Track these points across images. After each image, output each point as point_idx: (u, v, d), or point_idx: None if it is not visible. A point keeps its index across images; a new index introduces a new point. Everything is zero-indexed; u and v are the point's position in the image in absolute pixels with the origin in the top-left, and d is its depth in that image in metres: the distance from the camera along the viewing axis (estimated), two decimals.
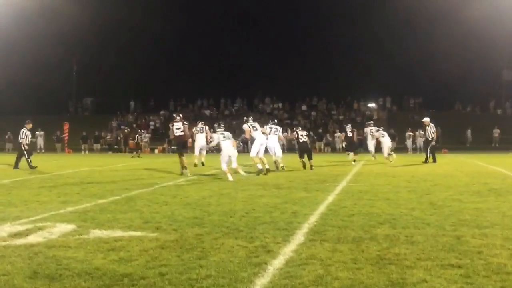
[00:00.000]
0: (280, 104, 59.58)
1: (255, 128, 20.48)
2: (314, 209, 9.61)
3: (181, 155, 19.45)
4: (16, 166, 22.28)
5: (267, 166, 18.91)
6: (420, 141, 41.00)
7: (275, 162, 22.03)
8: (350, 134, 28.27)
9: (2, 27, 56.60)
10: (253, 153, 19.68)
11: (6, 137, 49.39)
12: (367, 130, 29.32)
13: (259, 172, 18.34)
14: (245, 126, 21.09)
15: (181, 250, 6.44)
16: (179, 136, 20.15)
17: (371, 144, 28.61)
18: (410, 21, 56.04)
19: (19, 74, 61.49)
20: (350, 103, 58.78)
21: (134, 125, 56.59)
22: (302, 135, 22.36)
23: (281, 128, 25.22)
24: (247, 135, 21.43)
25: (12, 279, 5.25)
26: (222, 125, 20.24)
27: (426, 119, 26.20)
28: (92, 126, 53.03)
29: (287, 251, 6.38)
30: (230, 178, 16.02)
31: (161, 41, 67.20)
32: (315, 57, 63.04)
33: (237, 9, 67.39)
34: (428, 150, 25.40)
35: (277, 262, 5.85)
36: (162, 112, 60.58)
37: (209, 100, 62.09)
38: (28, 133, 23.37)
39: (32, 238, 7.15)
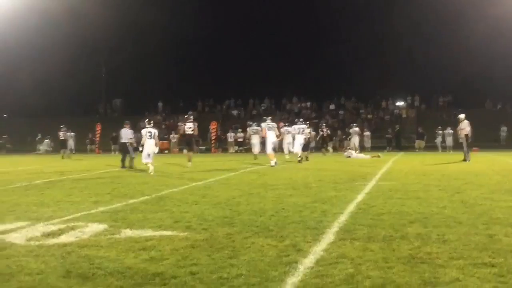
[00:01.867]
0: (308, 104, 59.42)
1: (270, 128, 23.65)
2: (343, 208, 9.57)
3: (189, 150, 23.41)
4: (124, 165, 22.59)
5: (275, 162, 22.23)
6: (449, 140, 40.54)
7: (301, 156, 25.31)
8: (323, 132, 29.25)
9: (32, 30, 57.47)
10: (269, 150, 23.11)
11: (37, 138, 50.08)
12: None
13: (274, 165, 21.70)
14: (262, 125, 24.62)
15: (212, 249, 6.47)
16: (189, 134, 23.41)
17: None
18: (439, 19, 55.58)
19: (49, 77, 62.28)
20: (379, 102, 58.38)
21: (163, 126, 56.95)
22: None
23: (306, 127, 26.67)
24: (263, 133, 24.70)
25: (46, 278, 5.32)
26: (270, 117, 24.75)
27: (461, 116, 25.72)
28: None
29: (318, 250, 6.37)
30: (273, 163, 21.22)
31: (189, 42, 67.57)
32: (343, 56, 62.84)
33: (265, 9, 67.42)
34: (466, 148, 24.77)
35: (308, 261, 5.85)
36: (190, 112, 60.83)
37: (237, 100, 62.20)
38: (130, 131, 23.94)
39: (65, 238, 7.25)
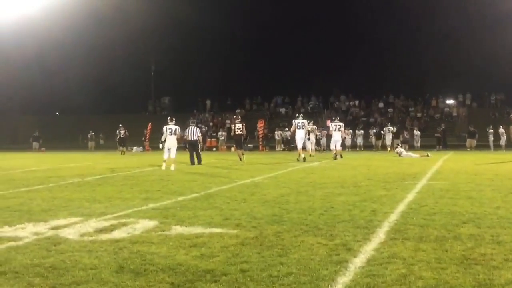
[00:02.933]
0: (356, 102, 58.96)
1: (299, 125, 25.66)
2: (394, 207, 9.46)
3: (239, 148, 26.20)
4: (193, 162, 23.31)
5: (303, 156, 24.92)
6: (502, 139, 39.67)
7: (336, 154, 26.62)
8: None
9: (83, 30, 58.59)
10: (299, 146, 25.79)
11: (89, 135, 51.00)
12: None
13: (303, 159, 24.50)
14: (293, 122, 26.52)
15: (261, 247, 6.47)
16: (239, 134, 26.44)
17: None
18: (490, 15, 54.30)
19: (100, 75, 63.45)
20: (428, 100, 57.51)
21: (211, 124, 57.35)
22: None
23: (343, 124, 27.60)
24: (292, 129, 26.74)
25: (100, 273, 5.41)
26: (301, 115, 27.15)
27: None
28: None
29: (368, 249, 6.31)
30: (301, 158, 24.23)
31: (237, 40, 67.80)
32: (392, 54, 62.06)
33: (314, 6, 67.15)
34: None
35: (358, 261, 5.80)
36: (238, 110, 61.10)
37: (284, 98, 62.13)
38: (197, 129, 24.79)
39: (117, 234, 7.36)
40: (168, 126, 21.49)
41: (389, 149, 41.07)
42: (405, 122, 52.42)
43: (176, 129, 21.38)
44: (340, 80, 60.39)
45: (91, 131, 50.96)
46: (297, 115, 28.65)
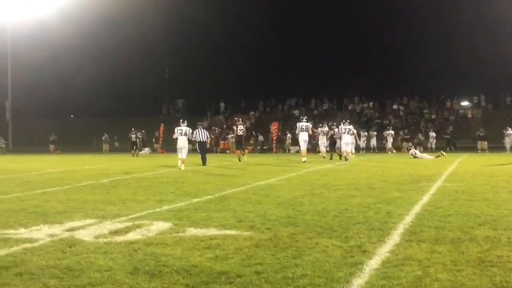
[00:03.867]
0: (370, 104, 58.78)
1: (303, 128, 26.72)
2: (409, 209, 9.40)
3: (239, 148, 27.94)
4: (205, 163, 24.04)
5: (305, 159, 25.96)
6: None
7: (345, 156, 27.53)
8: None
9: (97, 34, 58.93)
10: (302, 148, 27.10)
11: (103, 138, 51.23)
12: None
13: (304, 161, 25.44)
14: (297, 124, 27.58)
15: (276, 249, 6.46)
16: (240, 135, 28.19)
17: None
18: (503, 17, 53.93)
19: (114, 78, 63.82)
20: (443, 102, 57.21)
21: (224, 126, 57.42)
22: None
23: (352, 127, 30.30)
24: (296, 131, 27.56)
25: (115, 275, 5.42)
26: (304, 118, 28.73)
27: None
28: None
29: (383, 251, 6.27)
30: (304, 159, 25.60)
31: (250, 43, 67.90)
32: (407, 55, 61.86)
33: (327, 10, 67.09)
34: None
35: (373, 263, 5.76)
36: (251, 112, 61.15)
37: (298, 101, 62.10)
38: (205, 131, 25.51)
39: (131, 236, 7.37)
40: (179, 128, 22.95)
41: (389, 152, 41.24)
42: (419, 124, 52.18)
43: (186, 130, 22.69)
44: (355, 82, 60.35)
45: (105, 134, 51.21)
46: (301, 118, 29.91)
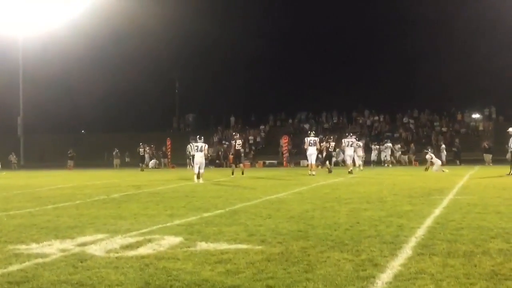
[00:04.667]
0: (381, 117, 58.64)
1: (311, 142, 27.49)
2: (420, 223, 9.35)
3: (238, 163, 28.22)
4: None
5: (314, 173, 26.68)
6: None
7: (350, 169, 28.39)
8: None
9: (107, 49, 59.30)
10: (309, 161, 27.64)
11: (114, 153, 51.41)
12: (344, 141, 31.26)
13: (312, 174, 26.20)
14: (305, 139, 28.38)
15: (287, 263, 6.43)
16: (238, 150, 28.64)
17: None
18: None
19: (125, 93, 64.12)
20: (454, 114, 56.99)
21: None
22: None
23: (355, 140, 31.44)
24: (305, 146, 28.21)
25: None
26: (312, 133, 29.54)
27: (510, 129, 25.20)
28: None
29: (395, 265, 6.23)
30: (313, 173, 26.48)
31: (260, 57, 68.10)
32: (417, 68, 61.78)
33: (336, 24, 67.23)
34: None
35: (385, 276, 5.73)
36: (262, 126, 61.16)
37: (308, 114, 62.08)
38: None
39: (143, 250, 7.37)
40: (195, 144, 24.32)
41: (386, 164, 41.16)
42: (430, 137, 51.99)
43: (202, 146, 23.50)
44: (365, 95, 60.34)
45: (116, 149, 51.39)
46: (309, 132, 31.12)
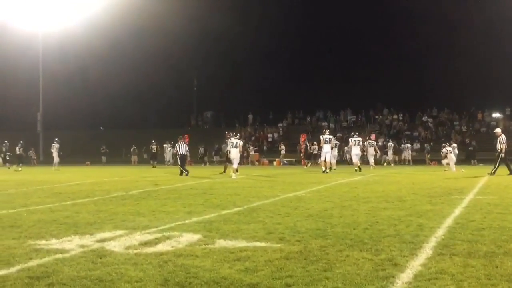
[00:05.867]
0: (400, 115, 58.30)
1: (327, 140, 28.61)
2: (440, 223, 9.27)
3: (231, 162, 26.64)
4: (186, 173, 26.17)
5: (327, 170, 27.86)
6: None
7: (358, 167, 29.11)
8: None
9: (126, 47, 59.57)
10: (322, 158, 28.74)
11: (132, 150, 51.65)
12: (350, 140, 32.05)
13: (324, 171, 27.49)
14: (321, 137, 29.38)
15: (306, 262, 6.41)
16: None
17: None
18: None
19: (143, 90, 64.34)
20: (474, 113, 56.51)
21: (253, 138, 57.46)
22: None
23: (361, 139, 31.98)
24: (320, 144, 29.28)
25: (145, 286, 5.43)
26: (327, 131, 30.90)
27: (498, 130, 25.74)
28: (212, 139, 54.39)
29: (415, 265, 6.18)
30: (324, 169, 27.48)
31: (278, 55, 68.01)
32: (436, 66, 61.33)
33: (356, 21, 66.92)
34: (497, 162, 24.57)
35: (405, 276, 5.68)
36: (280, 124, 61.11)
37: (326, 112, 61.91)
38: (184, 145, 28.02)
39: (161, 247, 7.38)
40: (230, 140, 25.89)
41: (385, 164, 41.06)
42: (450, 135, 51.62)
43: (237, 142, 25.21)
44: (384, 93, 60.01)
45: (133, 146, 51.62)
46: (324, 130, 31.99)
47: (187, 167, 27.49)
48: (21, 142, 41.71)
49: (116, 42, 60.73)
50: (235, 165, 24.80)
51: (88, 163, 47.94)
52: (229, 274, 5.85)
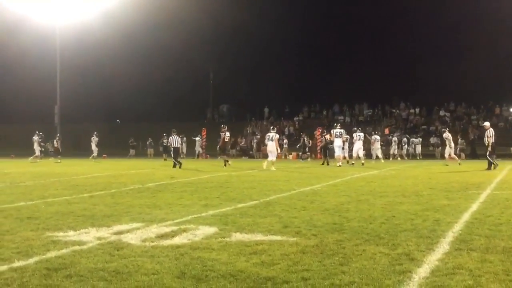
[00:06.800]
0: (417, 110, 57.94)
1: (337, 134, 29.31)
2: (458, 217, 9.22)
3: (227, 155, 29.52)
4: (179, 165, 26.92)
5: (340, 163, 28.39)
6: None
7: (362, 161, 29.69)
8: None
9: (142, 40, 59.72)
10: (337, 153, 29.39)
11: (148, 143, 51.81)
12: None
13: (339, 165, 27.75)
14: (332, 131, 30.28)
15: (322, 256, 6.40)
16: (227, 142, 30.66)
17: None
18: None
19: (159, 84, 64.52)
20: (491, 108, 56.01)
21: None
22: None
23: (362, 135, 32.10)
24: (331, 138, 30.32)
25: (162, 278, 5.45)
26: (338, 125, 32.07)
27: (486, 124, 25.67)
28: (228, 132, 54.36)
29: (432, 259, 6.15)
30: (339, 164, 28.16)
31: (295, 48, 67.87)
32: (453, 60, 60.86)
33: (371, 15, 66.56)
34: (488, 157, 24.25)
35: (422, 271, 5.66)
36: (295, 118, 61.01)
37: (342, 106, 61.69)
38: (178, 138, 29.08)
39: (178, 240, 7.41)
40: (267, 134, 26.88)
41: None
42: (467, 130, 51.22)
43: (273, 136, 26.08)
44: (401, 88, 59.69)
45: (150, 139, 51.78)
46: (335, 124, 33.22)
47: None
48: (58, 135, 42.70)
49: (133, 36, 60.97)
50: (273, 158, 25.52)
51: (105, 155, 48.17)
52: (245, 267, 5.87)
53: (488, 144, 24.32)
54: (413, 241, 7.21)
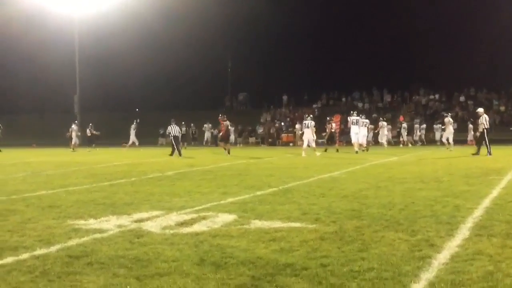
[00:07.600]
0: (437, 95, 57.43)
1: (354, 121, 29.55)
2: (478, 203, 9.16)
3: (228, 143, 30.65)
4: (181, 153, 27.50)
5: (357, 149, 28.47)
6: None
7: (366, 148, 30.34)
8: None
9: (161, 28, 59.81)
10: (353, 139, 29.24)
11: (161, 132, 52.06)
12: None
13: (356, 152, 27.94)
14: (348, 118, 30.97)
15: (341, 242, 6.41)
16: (228, 130, 31.76)
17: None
18: None
19: (178, 72, 64.59)
20: None
21: (288, 119, 57.31)
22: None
23: (368, 121, 32.57)
24: (348, 125, 30.85)
25: (181, 265, 5.50)
26: (355, 112, 32.28)
27: (480, 110, 25.39)
28: (247, 120, 54.49)
29: (452, 245, 6.14)
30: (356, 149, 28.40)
31: (313, 35, 67.50)
32: (474, 44, 60.14)
33: (391, 1, 65.98)
34: (485, 143, 23.93)
35: (442, 257, 5.65)
36: (314, 105, 60.81)
37: (361, 93, 61.32)
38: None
39: (197, 227, 7.46)
40: (304, 121, 27.95)
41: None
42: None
43: (309, 123, 26.93)
44: (420, 73, 59.16)
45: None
46: (351, 112, 33.21)
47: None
48: (91, 124, 43.73)
49: (150, 25, 61.01)
50: (312, 144, 26.53)
51: (125, 143, 48.47)
52: (265, 254, 5.89)
53: (483, 130, 24.07)
54: (432, 227, 7.19)
